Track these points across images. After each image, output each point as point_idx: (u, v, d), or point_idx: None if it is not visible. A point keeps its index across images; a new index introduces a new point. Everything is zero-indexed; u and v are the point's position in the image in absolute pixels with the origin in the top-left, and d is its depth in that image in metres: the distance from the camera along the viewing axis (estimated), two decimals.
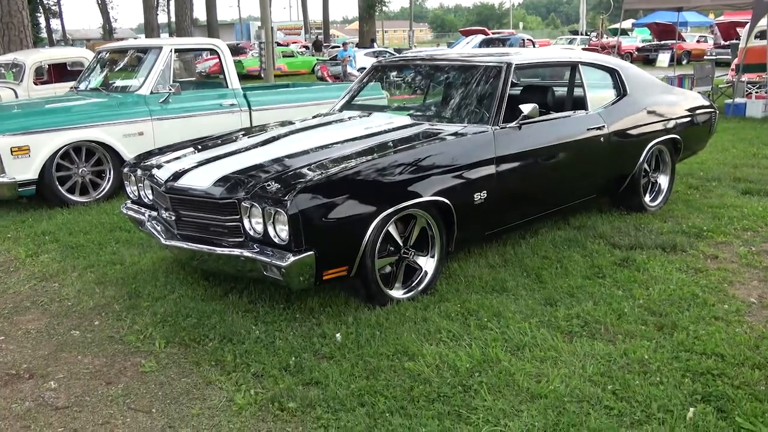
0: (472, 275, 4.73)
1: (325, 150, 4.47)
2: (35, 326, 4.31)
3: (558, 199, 5.42)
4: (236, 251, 3.99)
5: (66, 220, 6.66)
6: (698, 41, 32.82)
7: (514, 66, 5.04)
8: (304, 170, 4.08)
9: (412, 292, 4.39)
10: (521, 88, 6.05)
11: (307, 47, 41.73)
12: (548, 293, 4.41)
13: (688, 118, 6.37)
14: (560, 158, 5.21)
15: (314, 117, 5.70)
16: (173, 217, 4.32)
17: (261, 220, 3.90)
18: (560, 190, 5.39)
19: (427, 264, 4.47)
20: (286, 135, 5.00)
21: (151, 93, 7.66)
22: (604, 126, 5.52)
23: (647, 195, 6.16)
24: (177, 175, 4.34)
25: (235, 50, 34.94)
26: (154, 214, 4.79)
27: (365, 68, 8.78)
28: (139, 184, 4.92)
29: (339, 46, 35.03)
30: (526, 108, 4.85)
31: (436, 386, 3.36)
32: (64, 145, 7.05)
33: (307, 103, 8.45)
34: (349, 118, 5.34)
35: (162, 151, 5.12)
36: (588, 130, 5.41)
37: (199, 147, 5.01)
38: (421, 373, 3.48)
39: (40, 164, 6.89)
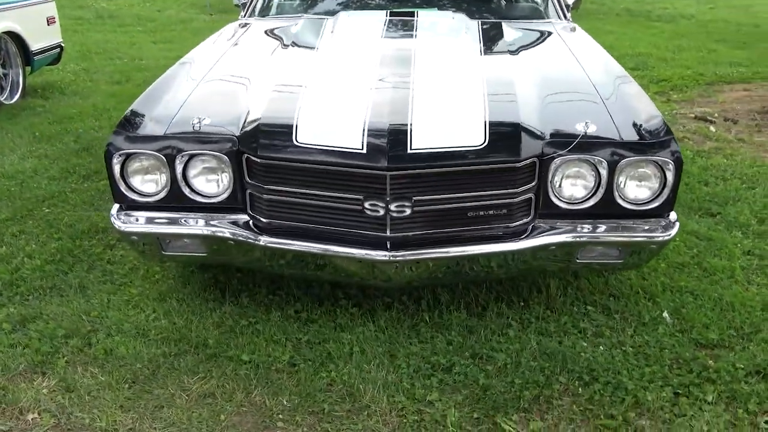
0: None
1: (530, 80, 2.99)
2: None
3: None
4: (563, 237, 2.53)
5: None
6: None
7: None
8: (588, 105, 2.75)
9: None
10: None
11: None
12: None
13: None
14: None
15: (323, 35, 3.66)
16: (405, 212, 2.43)
17: (588, 181, 2.54)
18: None
19: None
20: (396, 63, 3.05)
21: None
22: None
23: None
24: (384, 135, 2.42)
25: None
26: (240, 218, 2.61)
27: None
28: (177, 165, 2.56)
29: None
30: None
31: None
32: None
33: None
34: (417, 26, 3.59)
35: (185, 106, 2.74)
36: None
37: (290, 84, 2.86)
38: None
39: None
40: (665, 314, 2.91)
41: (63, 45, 7.00)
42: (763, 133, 5.34)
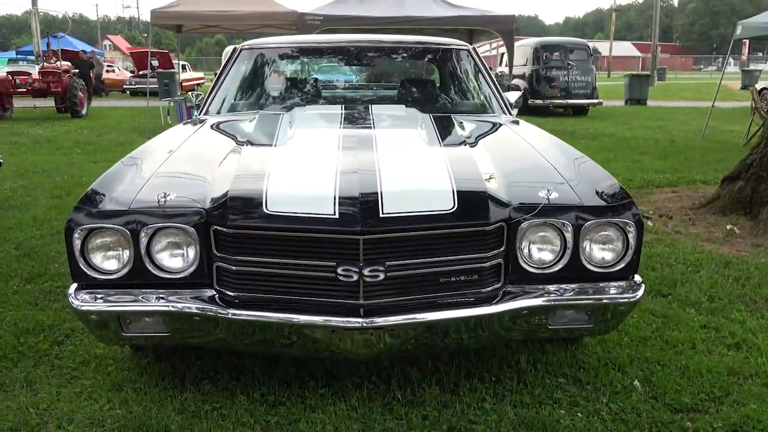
0: None
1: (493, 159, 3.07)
2: None
3: None
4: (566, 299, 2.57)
5: None
6: (108, 71, 31.05)
7: None
8: (555, 175, 2.86)
9: None
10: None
11: None
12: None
13: None
14: None
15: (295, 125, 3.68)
16: (379, 276, 2.41)
17: (554, 245, 2.60)
18: None
19: None
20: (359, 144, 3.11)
21: None
22: None
23: None
24: (355, 202, 2.44)
25: None
26: (204, 293, 2.53)
27: None
28: (142, 240, 2.50)
29: None
30: (513, 96, 4.42)
31: None
32: None
33: None
34: (356, 117, 3.71)
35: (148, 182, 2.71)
36: None
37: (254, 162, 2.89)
38: None
39: None
40: (636, 383, 2.90)
41: (2, 161, 6.89)
42: (696, 225, 5.61)
